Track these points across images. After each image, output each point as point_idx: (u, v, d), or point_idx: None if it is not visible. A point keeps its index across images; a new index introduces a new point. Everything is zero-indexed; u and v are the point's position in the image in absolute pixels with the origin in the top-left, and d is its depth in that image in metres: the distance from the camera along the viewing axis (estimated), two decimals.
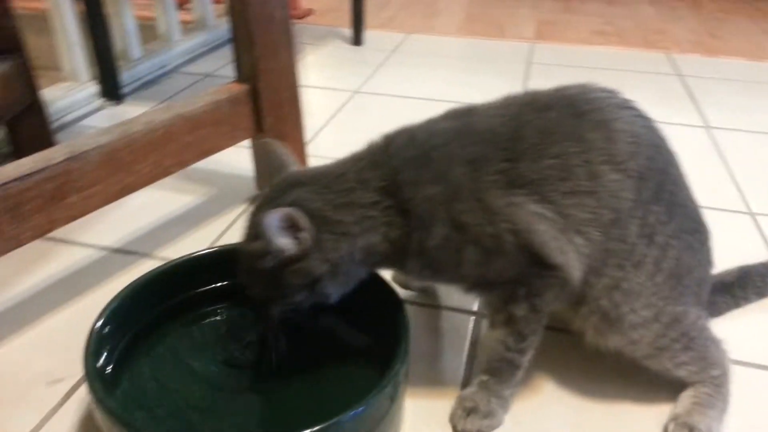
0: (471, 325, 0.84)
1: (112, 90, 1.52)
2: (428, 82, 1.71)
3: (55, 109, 1.37)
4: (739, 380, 0.74)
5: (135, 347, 0.71)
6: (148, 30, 1.77)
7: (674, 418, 0.69)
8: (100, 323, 0.67)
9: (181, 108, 0.91)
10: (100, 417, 0.60)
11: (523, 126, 0.65)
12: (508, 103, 0.69)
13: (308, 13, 2.38)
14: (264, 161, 0.71)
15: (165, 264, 0.77)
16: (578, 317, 0.70)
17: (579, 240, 0.64)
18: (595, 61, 1.94)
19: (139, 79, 1.65)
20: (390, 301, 0.71)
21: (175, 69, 1.77)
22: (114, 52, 1.51)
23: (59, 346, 0.80)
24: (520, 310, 0.66)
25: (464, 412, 0.69)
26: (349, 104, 1.57)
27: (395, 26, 2.29)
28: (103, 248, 0.99)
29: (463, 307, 0.87)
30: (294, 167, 0.71)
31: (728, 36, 2.26)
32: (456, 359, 0.79)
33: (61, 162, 0.75)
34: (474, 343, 0.81)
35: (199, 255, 0.79)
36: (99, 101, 1.51)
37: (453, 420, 0.69)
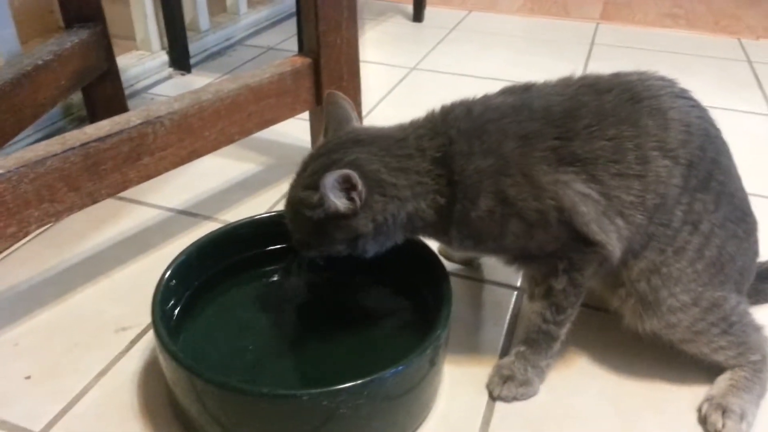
0: (513, 299, 0.87)
1: (181, 60, 1.58)
2: (486, 61, 1.72)
3: (127, 76, 1.45)
4: None
5: (197, 300, 0.77)
6: (215, 2, 1.83)
7: (709, 399, 0.70)
8: (167, 275, 0.72)
9: (248, 79, 0.96)
10: (162, 360, 0.66)
11: (580, 107, 0.66)
12: (566, 84, 0.70)
13: None
14: (327, 111, 0.74)
15: (227, 225, 0.82)
16: (616, 299, 0.72)
17: (620, 221, 0.65)
18: (661, 44, 1.90)
19: (206, 50, 1.71)
20: (436, 272, 0.75)
21: (240, 41, 1.83)
22: (184, 23, 1.57)
23: (127, 297, 0.87)
24: (559, 284, 0.68)
25: (501, 379, 0.72)
26: (406, 80, 1.59)
27: (457, 3, 2.29)
28: (170, 209, 1.06)
29: (506, 282, 0.89)
30: (356, 123, 0.74)
31: None
32: (496, 331, 0.82)
33: (138, 125, 0.81)
34: (515, 317, 0.84)
35: (258, 219, 0.84)
36: (168, 70, 1.58)
37: (490, 386, 0.73)
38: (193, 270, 0.77)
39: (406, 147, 0.67)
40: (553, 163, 0.64)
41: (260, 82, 0.96)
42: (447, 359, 0.74)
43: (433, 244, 0.78)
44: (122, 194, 1.04)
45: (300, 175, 0.70)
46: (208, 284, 0.79)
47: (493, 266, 0.91)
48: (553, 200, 0.64)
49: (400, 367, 0.60)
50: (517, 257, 0.71)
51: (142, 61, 1.52)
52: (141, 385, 0.73)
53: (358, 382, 0.58)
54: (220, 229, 0.81)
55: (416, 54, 1.76)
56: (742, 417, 0.68)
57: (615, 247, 0.66)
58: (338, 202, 0.63)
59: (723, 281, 0.69)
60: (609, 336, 0.78)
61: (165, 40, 1.58)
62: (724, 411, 0.68)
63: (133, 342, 0.80)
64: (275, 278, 0.82)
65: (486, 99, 0.70)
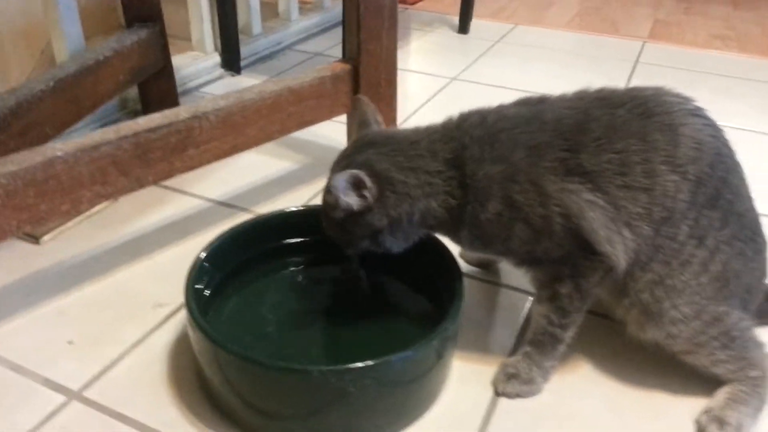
0: (527, 304, 0.90)
1: (232, 62, 1.66)
2: (527, 75, 1.74)
3: (181, 75, 1.53)
4: None
5: (228, 283, 0.83)
6: (268, 7, 1.91)
7: (707, 411, 0.72)
8: (203, 256, 0.79)
9: (290, 81, 1.02)
10: (191, 333, 0.72)
11: (590, 120, 0.69)
12: (580, 97, 0.74)
13: None
14: (355, 116, 0.80)
15: (260, 216, 0.88)
16: (621, 308, 0.74)
17: (627, 233, 0.68)
18: (707, 65, 1.88)
19: (257, 53, 1.79)
20: (452, 272, 0.79)
21: (289, 46, 1.90)
22: (237, 27, 1.65)
23: (166, 277, 0.93)
24: (565, 288, 0.71)
25: (506, 376, 0.75)
26: (446, 90, 1.64)
27: (505, 17, 2.32)
28: (210, 200, 1.13)
29: (521, 287, 0.92)
30: (375, 126, 0.79)
31: None
32: (507, 332, 0.85)
33: (185, 119, 0.88)
34: (527, 321, 0.87)
35: (288, 211, 0.89)
36: (220, 71, 1.66)
37: (495, 383, 0.76)
38: (226, 255, 0.83)
39: (418, 148, 0.72)
40: (560, 174, 0.68)
41: (301, 85, 1.02)
42: (458, 356, 0.78)
43: (454, 248, 0.82)
44: (167, 183, 1.12)
45: (329, 180, 0.76)
46: (239, 269, 0.85)
47: (509, 271, 0.94)
48: (559, 207, 0.67)
49: (406, 354, 0.65)
50: (524, 260, 0.74)
51: (196, 62, 1.61)
52: (172, 357, 0.80)
53: (365, 363, 0.63)
54: (253, 219, 0.87)
55: (458, 65, 1.80)
56: (738, 429, 0.69)
57: (620, 258, 0.68)
58: (350, 200, 0.68)
59: (727, 296, 0.71)
60: (615, 345, 0.81)
61: (219, 42, 1.66)
62: (721, 423, 0.70)
63: (168, 318, 0.86)
64: (302, 267, 0.88)
65: (501, 109, 0.74)
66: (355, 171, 0.68)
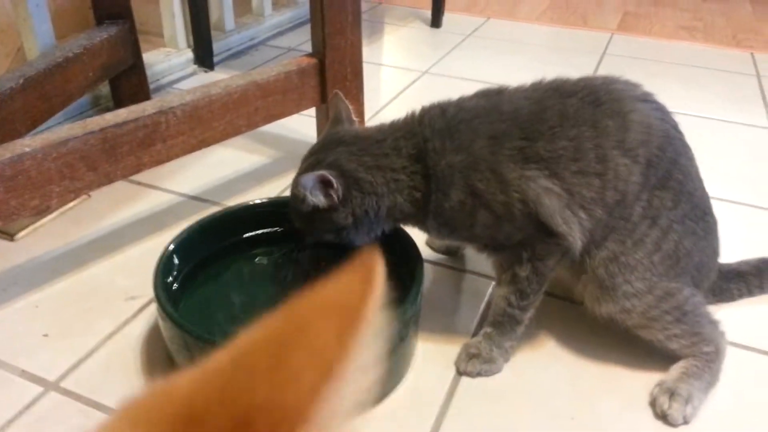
0: (489, 289, 0.93)
1: (205, 58, 1.68)
2: (497, 67, 1.78)
3: (153, 71, 1.54)
4: (738, 362, 0.80)
5: (196, 274, 0.85)
6: (241, 3, 1.92)
7: (660, 384, 0.76)
8: (171, 248, 0.81)
9: (256, 76, 1.04)
10: (161, 321, 0.74)
11: (546, 109, 0.73)
12: (535, 88, 0.77)
13: None
14: (328, 109, 0.83)
15: (226, 209, 0.91)
16: (580, 284, 0.78)
17: (583, 214, 0.71)
18: (673, 56, 1.93)
19: (230, 49, 1.81)
20: (412, 258, 0.81)
21: (263, 42, 1.92)
22: (209, 23, 1.67)
23: (138, 271, 0.95)
24: (523, 271, 0.74)
25: (467, 356, 0.78)
26: (417, 83, 1.66)
27: (477, 10, 2.35)
28: (182, 195, 1.14)
29: (484, 273, 0.95)
30: (346, 124, 0.81)
31: None
32: (470, 315, 0.88)
33: (152, 114, 0.90)
34: (489, 304, 0.90)
35: (254, 204, 0.92)
36: (193, 67, 1.67)
37: (457, 363, 0.79)
38: (195, 246, 0.85)
39: (384, 147, 0.75)
40: (519, 161, 0.71)
41: (267, 79, 1.04)
42: (422, 337, 0.81)
43: (419, 236, 0.85)
44: (139, 179, 1.14)
45: (298, 171, 0.78)
46: (207, 260, 0.87)
47: (473, 258, 0.97)
48: (518, 193, 0.70)
49: None
50: (487, 245, 0.77)
51: (168, 58, 1.62)
52: (144, 347, 0.82)
53: None
54: (220, 211, 0.90)
55: (430, 58, 1.83)
56: (687, 401, 0.73)
57: (576, 238, 0.72)
58: (316, 199, 0.71)
59: (679, 274, 0.75)
60: (575, 324, 0.84)
61: (191, 38, 1.67)
62: (672, 394, 0.74)
63: (140, 310, 0.88)
64: (267, 258, 0.90)
65: (460, 101, 0.77)
66: (323, 172, 0.71)
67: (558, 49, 1.96)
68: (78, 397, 0.75)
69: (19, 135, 1.00)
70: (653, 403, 0.75)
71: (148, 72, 1.40)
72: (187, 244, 0.83)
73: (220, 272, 0.87)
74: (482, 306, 0.90)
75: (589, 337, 0.83)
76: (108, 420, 0.20)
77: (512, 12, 2.35)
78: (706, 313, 0.78)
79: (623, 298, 0.74)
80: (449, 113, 0.75)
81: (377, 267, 0.23)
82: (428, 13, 2.14)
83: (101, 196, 1.09)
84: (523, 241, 0.74)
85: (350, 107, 0.83)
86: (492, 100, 0.76)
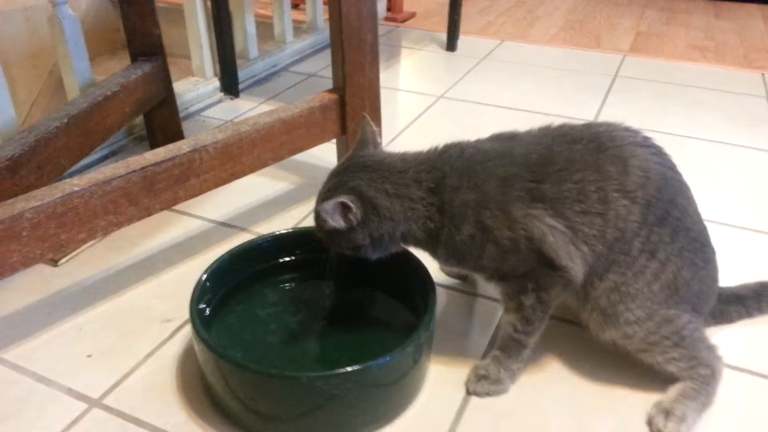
0: (500, 313, 0.98)
1: (231, 86, 1.76)
2: (511, 91, 1.83)
3: (183, 100, 1.63)
4: (735, 385, 0.86)
5: (228, 300, 0.93)
6: (264, 31, 2.01)
7: (657, 404, 0.81)
8: (204, 277, 0.88)
9: (282, 113, 1.12)
10: (196, 346, 0.81)
11: (553, 155, 0.79)
12: (544, 133, 0.83)
13: (411, 16, 2.55)
14: (356, 132, 0.90)
15: (255, 238, 0.98)
16: (584, 312, 0.84)
17: (585, 249, 0.77)
18: (683, 78, 1.97)
19: (254, 76, 1.89)
20: (426, 285, 0.88)
21: (285, 68, 2.00)
22: (234, 53, 1.75)
23: (172, 294, 1.03)
24: (528, 300, 0.81)
25: (476, 377, 0.85)
26: (433, 108, 1.73)
27: (491, 32, 2.41)
28: (212, 221, 1.22)
29: (495, 297, 1.01)
30: (371, 148, 0.86)
31: None
32: (481, 338, 0.94)
33: (187, 152, 0.98)
34: (499, 327, 0.96)
35: (282, 233, 0.99)
36: (219, 95, 1.76)
37: (467, 384, 0.85)
38: (227, 274, 0.92)
39: (405, 177, 0.81)
40: (526, 201, 0.77)
41: (292, 115, 1.11)
42: (434, 359, 0.88)
43: (433, 264, 0.91)
44: (172, 207, 1.22)
45: (322, 189, 0.84)
46: (238, 286, 0.94)
47: (484, 283, 1.02)
48: (524, 231, 0.77)
49: (383, 360, 0.74)
50: (493, 275, 0.83)
51: (196, 87, 1.71)
52: (179, 367, 0.89)
53: (347, 369, 0.72)
54: (250, 240, 0.97)
55: (445, 82, 1.90)
56: (682, 420, 0.78)
57: (578, 271, 0.78)
58: (336, 223, 0.78)
59: (678, 302, 0.80)
60: (579, 347, 0.90)
61: (218, 67, 1.76)
62: (668, 414, 0.79)
63: (175, 332, 0.95)
64: (294, 284, 0.98)
65: (478, 143, 0.83)
66: (344, 199, 0.77)
67: (571, 72, 2.01)
68: (119, 413, 0.82)
69: (64, 169, 1.09)
70: (650, 422, 0.80)
71: (178, 101, 1.48)
72: (218, 272, 0.90)
73: (250, 298, 0.94)
74: (492, 329, 0.96)
75: (592, 359, 0.89)
76: None
77: (525, 34, 2.41)
78: (704, 338, 0.83)
79: (625, 325, 0.80)
80: (467, 153, 0.81)
81: None
82: (444, 36, 2.21)
83: (136, 223, 1.16)
84: (527, 273, 0.80)
85: (376, 130, 0.89)
86: (506, 144, 0.82)
